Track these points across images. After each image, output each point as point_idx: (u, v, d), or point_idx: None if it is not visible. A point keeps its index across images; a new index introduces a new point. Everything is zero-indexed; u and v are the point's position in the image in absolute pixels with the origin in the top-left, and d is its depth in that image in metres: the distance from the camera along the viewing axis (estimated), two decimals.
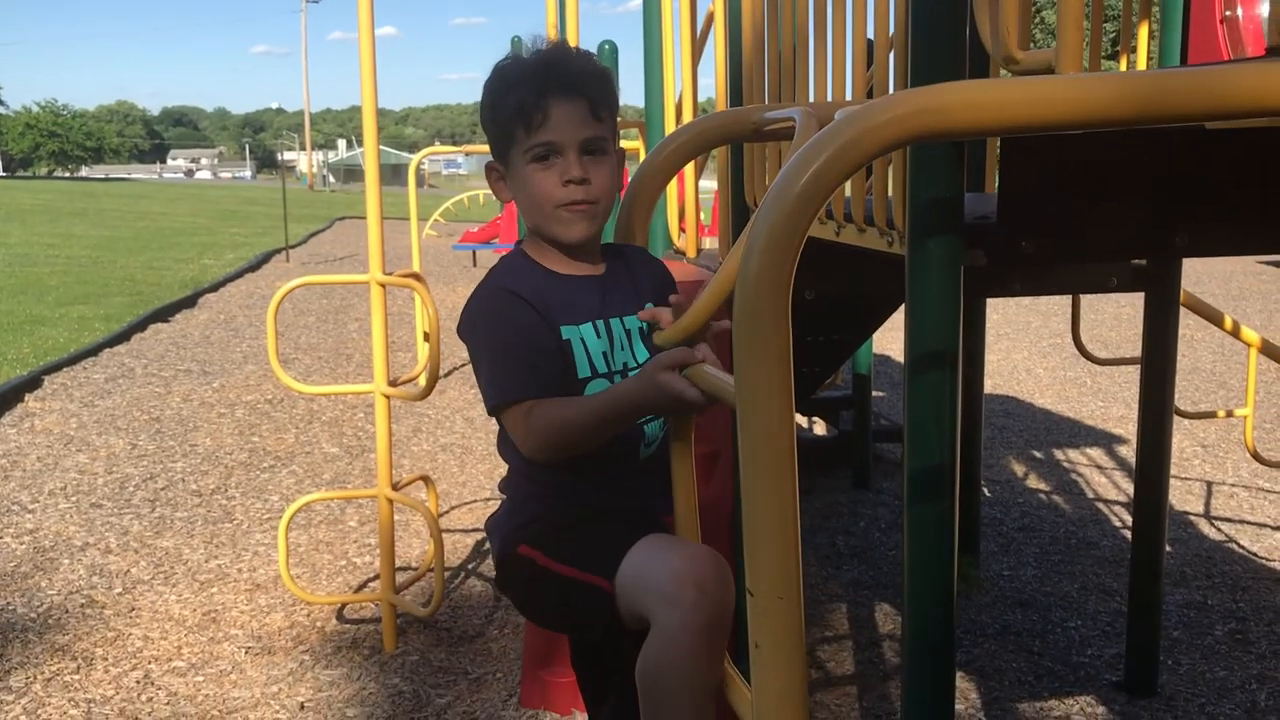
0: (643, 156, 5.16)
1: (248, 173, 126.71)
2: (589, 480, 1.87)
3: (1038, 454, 6.70)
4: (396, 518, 4.61)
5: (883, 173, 2.25)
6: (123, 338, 10.08)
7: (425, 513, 3.63)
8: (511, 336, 1.77)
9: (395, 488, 3.74)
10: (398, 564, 4.40)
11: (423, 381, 3.61)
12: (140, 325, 10.73)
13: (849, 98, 2.48)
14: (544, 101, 1.76)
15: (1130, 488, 6.04)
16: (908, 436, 2.12)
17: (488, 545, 4.82)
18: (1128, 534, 5.28)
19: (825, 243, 2.73)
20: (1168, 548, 5.11)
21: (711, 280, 1.49)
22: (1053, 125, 0.97)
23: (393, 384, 3.69)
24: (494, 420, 1.87)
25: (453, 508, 5.38)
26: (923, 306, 2.06)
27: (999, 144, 2.40)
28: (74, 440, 6.54)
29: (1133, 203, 2.13)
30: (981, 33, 1.85)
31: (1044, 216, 2.12)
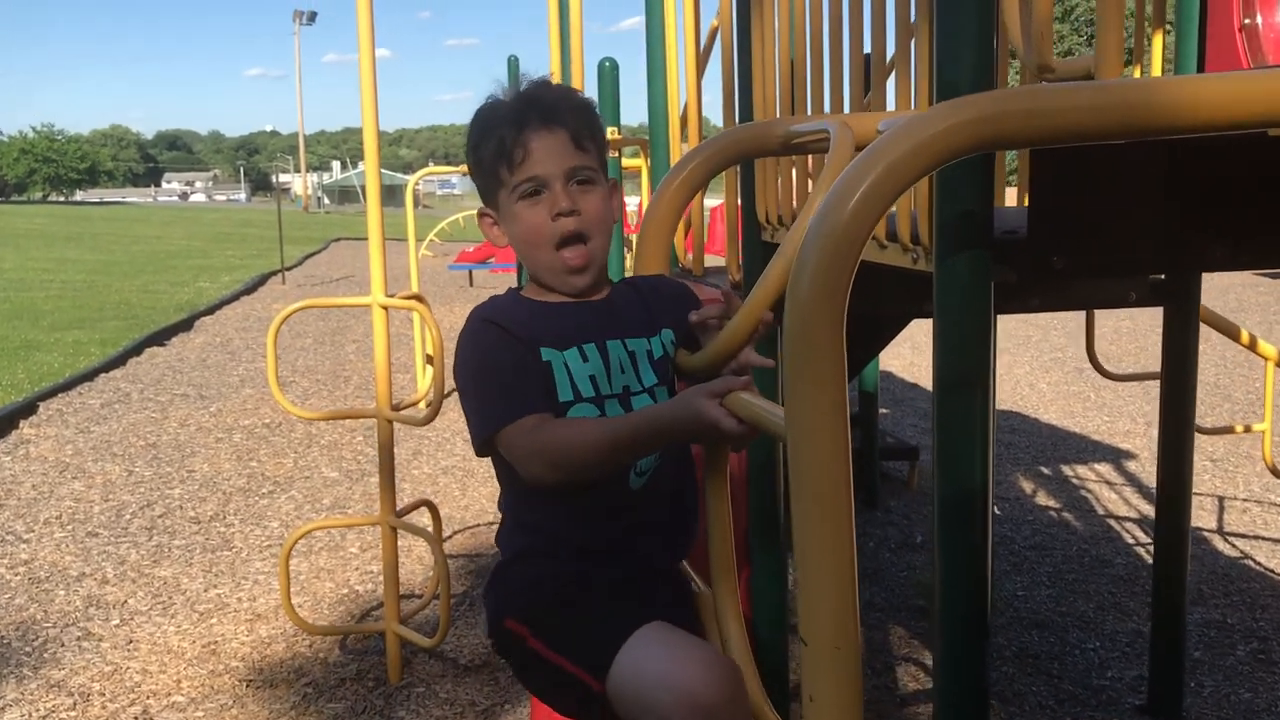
0: (646, 173, 5.10)
1: (242, 195, 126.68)
2: (579, 518, 1.77)
3: (1046, 470, 6.62)
4: (399, 543, 4.53)
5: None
6: (118, 362, 9.99)
7: (429, 539, 3.54)
8: (494, 360, 1.70)
9: (397, 514, 3.65)
10: (401, 591, 4.30)
11: (424, 406, 3.53)
12: (136, 349, 10.64)
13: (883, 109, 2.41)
14: (523, 136, 1.72)
15: (1142, 504, 5.97)
16: (938, 462, 2.04)
17: None
18: (1142, 551, 5.21)
19: None
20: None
21: (744, 304, 1.41)
22: (1128, 132, 0.90)
23: (396, 408, 3.61)
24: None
25: (456, 532, 5.28)
26: (952, 327, 1.98)
27: (1028, 155, 2.33)
28: (69, 467, 6.45)
29: (1169, 214, 2.06)
30: (1013, 39, 1.78)
31: (1076, 230, 2.05)
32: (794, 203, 2.83)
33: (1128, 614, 4.44)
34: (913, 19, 2.10)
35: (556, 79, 4.60)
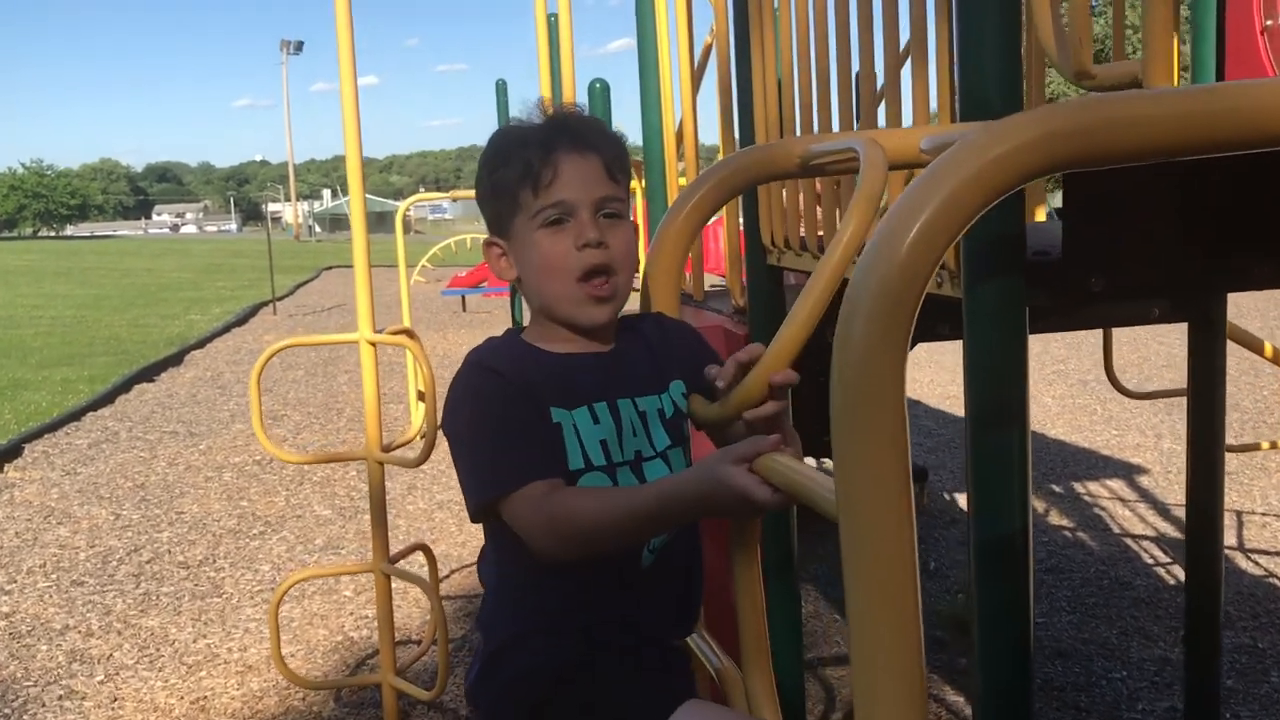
0: (640, 194, 4.95)
1: (233, 225, 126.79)
2: (584, 597, 1.58)
3: (1057, 488, 6.46)
4: (395, 585, 4.35)
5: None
6: (106, 400, 9.81)
7: (424, 587, 3.37)
8: (496, 414, 1.51)
9: (391, 559, 3.48)
10: (398, 636, 4.13)
11: (419, 445, 3.37)
12: (125, 386, 10.48)
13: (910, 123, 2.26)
14: (553, 157, 1.55)
15: (1158, 521, 5.81)
16: (975, 503, 1.88)
17: None
18: (1162, 572, 5.05)
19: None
20: None
21: (769, 349, 1.25)
22: (1252, 142, 0.74)
23: (387, 449, 3.45)
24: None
25: (453, 571, 5.11)
26: (985, 357, 1.82)
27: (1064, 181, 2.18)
28: (55, 512, 6.26)
29: (1212, 230, 1.91)
30: (1045, 46, 1.63)
31: (1113, 250, 1.90)
32: (801, 225, 2.68)
33: (1153, 640, 4.27)
34: (929, 22, 1.96)
35: (548, 102, 4.46)
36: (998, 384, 1.82)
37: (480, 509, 1.52)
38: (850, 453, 0.82)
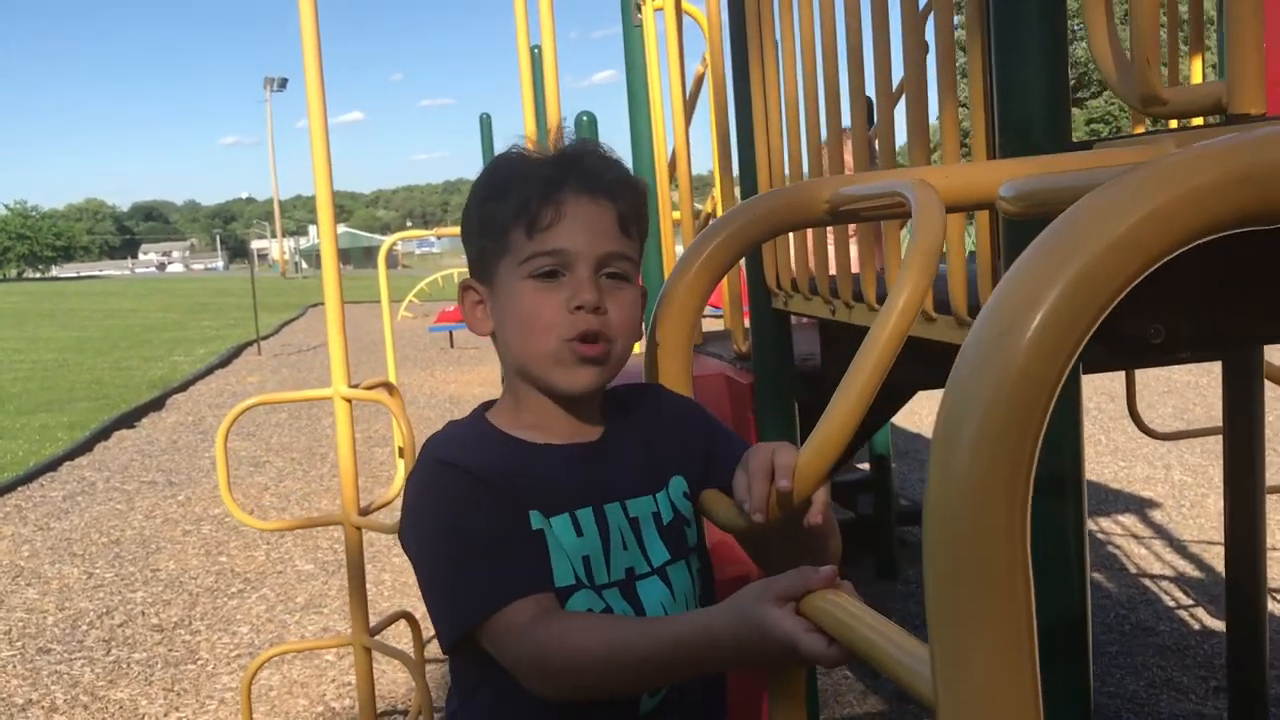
0: None
1: (220, 263, 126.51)
2: None
3: None
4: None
5: (959, 247, 1.80)
6: (85, 448, 9.54)
7: (407, 663, 3.12)
8: (464, 521, 1.24)
9: (373, 630, 3.23)
10: (381, 706, 3.88)
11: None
12: (104, 433, 10.20)
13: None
14: (558, 197, 1.30)
15: (1175, 559, 5.58)
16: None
17: None
18: (1185, 615, 4.82)
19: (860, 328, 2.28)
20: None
21: (811, 441, 1.02)
22: None
23: (365, 511, 3.20)
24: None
25: None
26: None
27: None
28: (24, 572, 5.99)
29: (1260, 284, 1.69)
30: (1102, 66, 1.41)
31: (1172, 300, 1.67)
32: (811, 265, 2.46)
33: (1184, 692, 4.03)
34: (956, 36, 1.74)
35: (531, 138, 4.24)
36: (1054, 452, 1.60)
37: (455, 643, 1.25)
38: (957, 629, 0.59)
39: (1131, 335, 1.66)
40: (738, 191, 2.79)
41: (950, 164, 1.49)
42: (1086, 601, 1.67)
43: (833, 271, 2.32)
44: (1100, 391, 9.49)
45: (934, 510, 0.59)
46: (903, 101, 1.89)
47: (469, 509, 1.25)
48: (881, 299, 2.12)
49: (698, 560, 1.37)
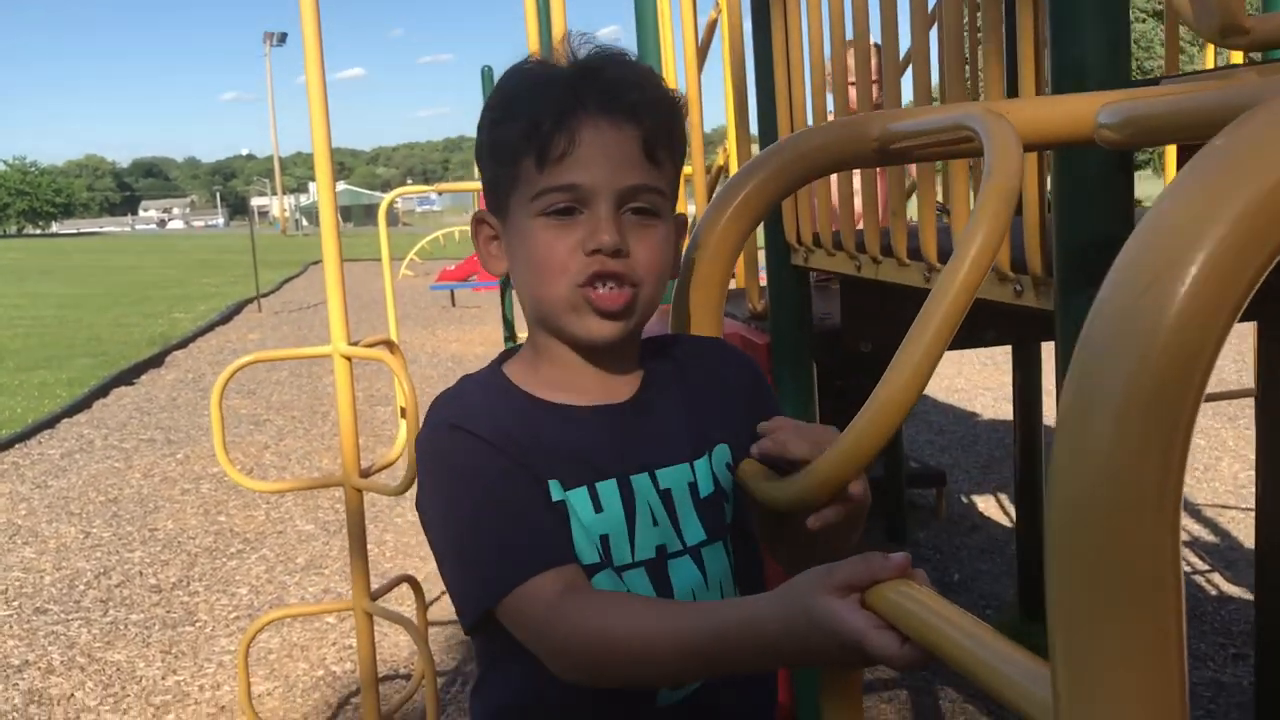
0: None
1: (220, 220, 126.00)
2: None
3: None
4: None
5: (965, 198, 1.68)
6: (83, 405, 9.45)
7: (411, 629, 3.03)
8: (483, 492, 1.12)
9: (375, 594, 3.14)
10: (383, 670, 3.80)
11: (403, 464, 3.03)
12: (102, 390, 10.11)
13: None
14: (572, 121, 1.12)
15: (1188, 523, 5.48)
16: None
17: None
18: (1201, 580, 4.74)
19: (895, 287, 2.16)
20: (1245, 595, 4.55)
21: (865, 410, 0.90)
22: None
23: (366, 472, 3.10)
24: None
25: (442, 593, 4.76)
26: None
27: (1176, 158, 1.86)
28: (21, 530, 5.90)
29: None
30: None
31: None
32: (834, 218, 2.34)
33: (1202, 660, 3.96)
34: None
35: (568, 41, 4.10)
36: None
37: (478, 619, 1.13)
38: (1095, 644, 0.48)
39: None
40: (755, 148, 2.67)
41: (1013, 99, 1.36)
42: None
43: (860, 225, 2.20)
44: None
45: (1065, 500, 0.48)
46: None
47: (482, 477, 1.13)
48: (913, 253, 2.00)
49: (736, 542, 1.23)
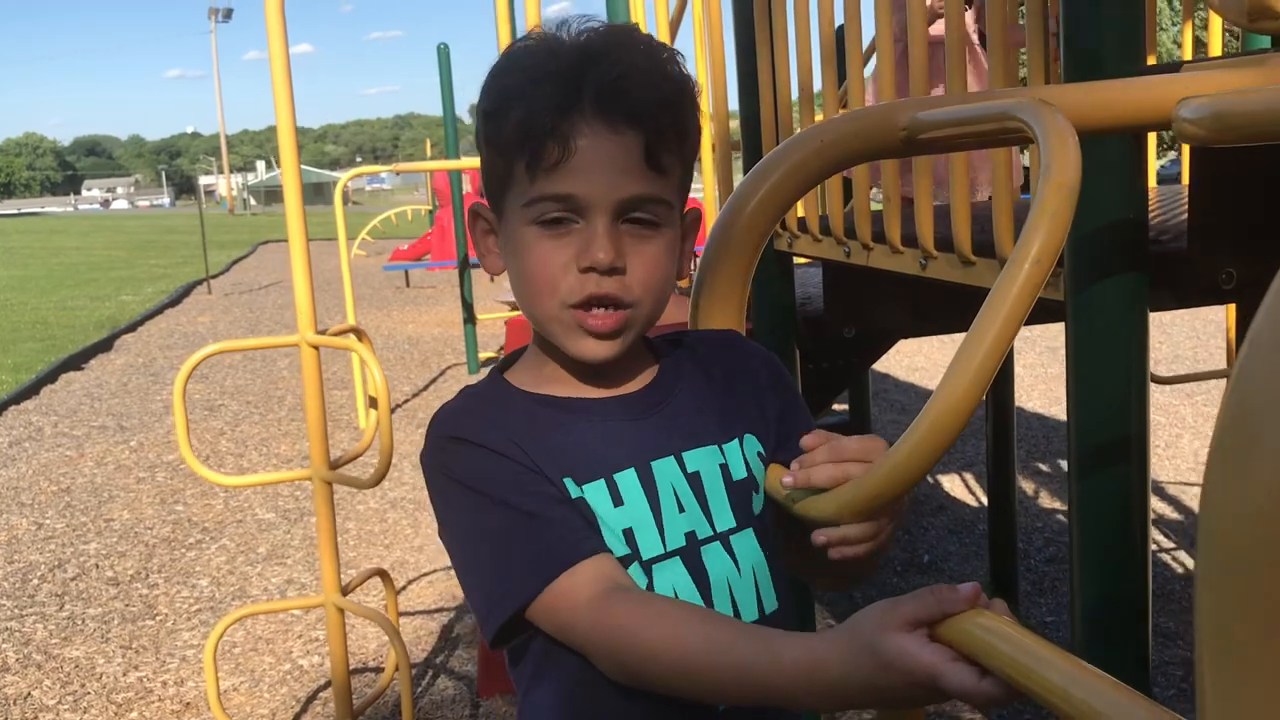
0: None
1: (166, 200, 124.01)
2: None
3: (1043, 467, 6.16)
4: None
5: (1007, 184, 1.64)
6: (30, 392, 9.23)
7: (383, 624, 2.96)
8: (489, 501, 1.06)
9: (344, 590, 3.07)
10: (355, 664, 3.72)
11: (376, 459, 2.95)
12: (50, 376, 9.88)
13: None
14: (567, 125, 1.04)
15: (1154, 501, 5.52)
16: (1080, 555, 1.51)
17: (457, 632, 4.17)
18: (1167, 559, 4.77)
19: (884, 274, 2.12)
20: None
21: (921, 420, 0.85)
22: None
23: (335, 465, 3.02)
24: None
25: (410, 582, 4.69)
26: (1098, 373, 1.45)
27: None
28: None
29: None
30: None
31: (1247, 239, 1.52)
32: (821, 202, 2.29)
33: (1171, 638, 3.98)
34: None
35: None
36: (1117, 410, 1.45)
37: (500, 632, 1.06)
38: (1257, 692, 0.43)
39: (1203, 280, 1.51)
40: (735, 125, 2.62)
41: (1059, 84, 1.31)
42: (1147, 570, 1.54)
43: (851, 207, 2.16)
44: (1044, 346, 9.41)
45: (1227, 533, 0.43)
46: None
47: (493, 485, 1.06)
48: (908, 239, 1.95)
49: (763, 535, 1.17)
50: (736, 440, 1.17)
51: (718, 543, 1.13)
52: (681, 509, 1.12)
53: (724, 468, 1.15)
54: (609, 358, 1.12)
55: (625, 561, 1.08)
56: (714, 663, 0.93)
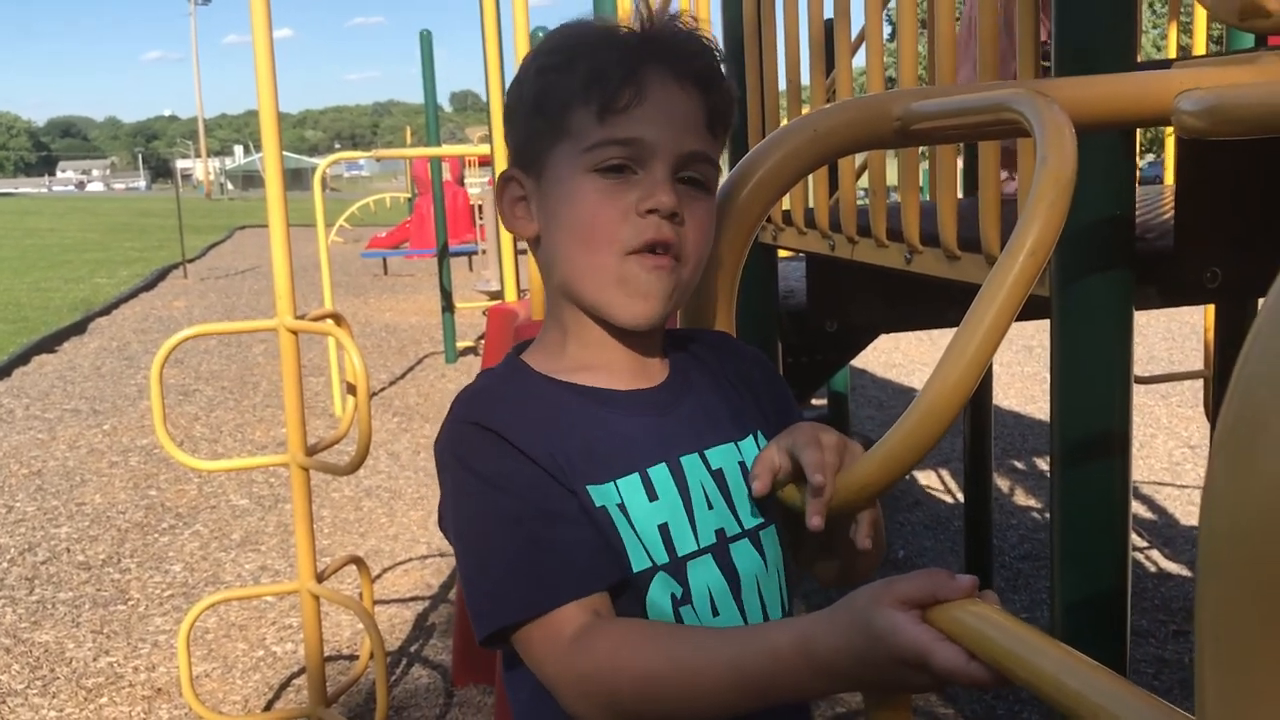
0: None
1: (142, 183, 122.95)
2: None
3: (1019, 464, 6.19)
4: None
5: (994, 178, 1.64)
6: (2, 374, 9.15)
7: (359, 611, 2.94)
8: (498, 503, 1.03)
9: (320, 577, 3.05)
10: (329, 652, 3.71)
11: (351, 448, 2.94)
12: (22, 358, 9.79)
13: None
14: (641, 74, 1.05)
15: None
16: (1061, 555, 1.52)
17: (432, 621, 4.15)
18: (1140, 557, 4.80)
19: (867, 269, 2.12)
20: (1183, 572, 4.63)
21: (913, 410, 0.85)
22: None
23: (312, 450, 3.00)
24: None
25: (385, 570, 4.67)
26: (1083, 370, 1.45)
27: (1175, 144, 1.82)
28: None
29: None
30: None
31: (1232, 238, 1.53)
32: (809, 196, 2.29)
33: (1142, 635, 4.00)
34: None
35: (493, 63, 3.94)
36: (1100, 409, 1.45)
37: (490, 639, 1.05)
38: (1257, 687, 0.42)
39: (1189, 277, 1.52)
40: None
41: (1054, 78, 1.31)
42: (1127, 569, 1.55)
43: (836, 199, 2.15)
44: (1044, 329, 9.45)
45: (1230, 530, 0.43)
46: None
47: (509, 487, 1.04)
48: (893, 234, 1.95)
49: (780, 530, 1.16)
50: (751, 437, 1.16)
51: (746, 539, 1.12)
52: (710, 505, 1.10)
53: (742, 465, 1.14)
54: (649, 321, 1.09)
55: (653, 570, 1.06)
56: (701, 665, 0.92)
